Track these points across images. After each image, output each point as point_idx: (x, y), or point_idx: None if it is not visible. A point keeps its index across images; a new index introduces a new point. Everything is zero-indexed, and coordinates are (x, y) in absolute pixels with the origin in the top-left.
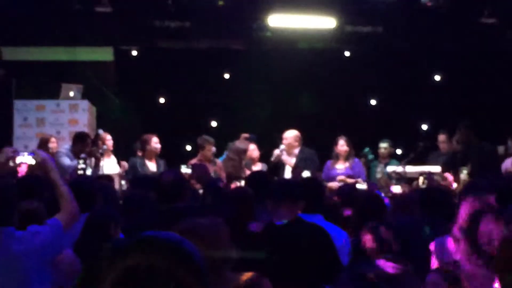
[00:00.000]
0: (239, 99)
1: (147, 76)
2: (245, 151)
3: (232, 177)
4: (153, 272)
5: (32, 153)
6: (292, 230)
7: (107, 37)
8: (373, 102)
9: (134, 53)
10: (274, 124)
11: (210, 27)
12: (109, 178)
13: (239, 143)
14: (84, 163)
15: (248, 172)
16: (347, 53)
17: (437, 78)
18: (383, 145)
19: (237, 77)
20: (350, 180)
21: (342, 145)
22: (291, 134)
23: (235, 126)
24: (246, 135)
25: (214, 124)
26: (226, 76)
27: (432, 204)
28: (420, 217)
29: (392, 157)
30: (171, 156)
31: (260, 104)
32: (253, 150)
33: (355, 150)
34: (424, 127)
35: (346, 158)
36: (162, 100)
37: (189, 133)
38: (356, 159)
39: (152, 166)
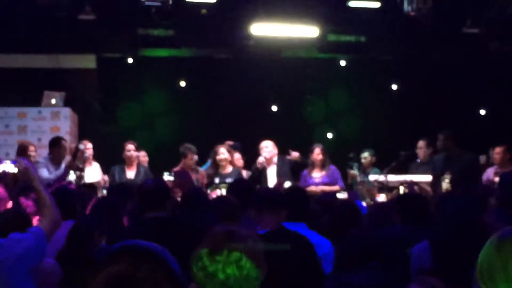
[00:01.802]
0: (222, 107)
1: (129, 84)
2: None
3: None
4: (135, 280)
5: (15, 161)
6: (274, 239)
7: (90, 44)
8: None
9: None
10: (256, 132)
11: (194, 36)
12: (92, 186)
13: (219, 149)
14: (77, 174)
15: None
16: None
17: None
18: (365, 155)
19: (220, 85)
20: (327, 188)
21: (317, 154)
22: (269, 143)
23: (217, 134)
24: (230, 142)
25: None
26: (208, 84)
27: (408, 210)
28: (397, 225)
29: (374, 166)
30: (154, 164)
31: (243, 112)
32: (237, 159)
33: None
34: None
35: (322, 166)
36: (144, 108)
37: (171, 141)
38: (333, 167)
39: (130, 173)
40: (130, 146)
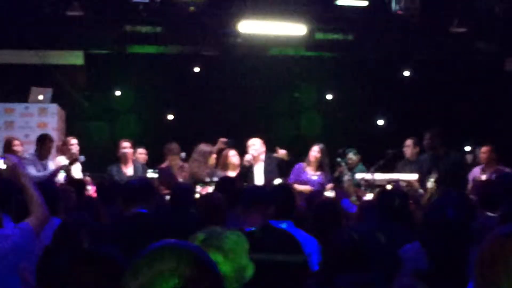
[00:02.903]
0: (209, 104)
1: (117, 80)
2: (210, 153)
3: (196, 180)
4: (179, 278)
5: (3, 158)
6: (261, 237)
7: (77, 41)
8: (342, 108)
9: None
10: (245, 129)
11: (181, 33)
12: (80, 182)
13: (204, 146)
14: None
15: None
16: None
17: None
18: (349, 156)
19: (207, 82)
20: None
21: (314, 151)
22: (257, 141)
23: (206, 131)
24: (224, 139)
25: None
26: (196, 81)
27: (388, 208)
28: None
29: (359, 164)
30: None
31: (231, 109)
32: (232, 156)
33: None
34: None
35: (318, 166)
36: (132, 105)
37: (159, 138)
38: (325, 172)
39: (129, 171)
40: (126, 144)
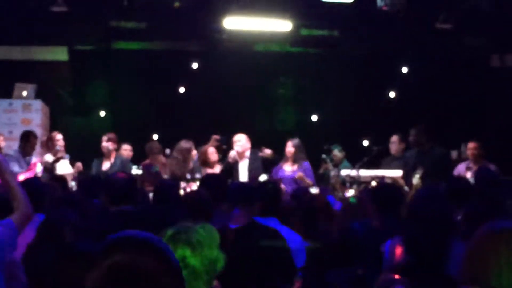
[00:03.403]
0: (195, 100)
1: (101, 76)
2: (189, 150)
3: (176, 177)
4: (136, 270)
5: None
6: (246, 233)
7: (62, 36)
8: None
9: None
10: (229, 125)
11: (166, 29)
12: (62, 179)
13: (184, 143)
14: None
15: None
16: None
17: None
18: (334, 152)
19: (192, 78)
20: (307, 179)
21: (288, 147)
22: (243, 137)
23: (190, 127)
24: (217, 136)
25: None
26: (181, 77)
27: (382, 200)
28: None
29: (344, 160)
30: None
31: (216, 105)
32: (211, 153)
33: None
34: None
35: (294, 161)
36: (117, 100)
37: (143, 135)
38: (306, 163)
39: (106, 165)
40: (104, 138)
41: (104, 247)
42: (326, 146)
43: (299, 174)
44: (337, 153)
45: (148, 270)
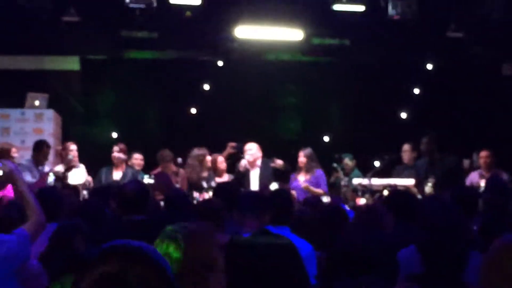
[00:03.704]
0: (206, 109)
1: (113, 86)
2: (204, 155)
3: (193, 183)
4: (126, 279)
5: (0, 164)
6: (258, 242)
7: (74, 46)
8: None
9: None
10: (239, 134)
11: (178, 38)
12: (74, 188)
13: (197, 150)
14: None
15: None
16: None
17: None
18: (345, 161)
19: (203, 88)
20: (313, 189)
21: (300, 157)
22: (254, 146)
23: (201, 136)
24: (233, 144)
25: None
26: (193, 86)
27: (398, 208)
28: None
29: (355, 169)
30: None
31: (227, 114)
32: (221, 162)
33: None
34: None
35: (307, 170)
36: (128, 110)
37: (154, 143)
38: (319, 171)
39: (117, 174)
40: (115, 148)
41: (96, 256)
42: (337, 155)
43: (304, 185)
44: (348, 161)
45: (140, 279)
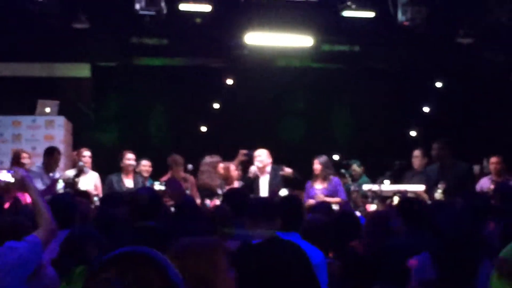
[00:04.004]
0: (216, 116)
1: (124, 92)
2: (218, 162)
3: (205, 193)
4: (126, 282)
5: (11, 171)
6: (268, 249)
7: (84, 53)
8: (349, 120)
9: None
10: (249, 140)
11: (188, 45)
12: (86, 194)
13: (209, 157)
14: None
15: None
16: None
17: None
18: (353, 167)
19: (213, 94)
20: (327, 199)
21: (315, 164)
22: (263, 152)
23: (211, 143)
24: (244, 151)
25: (191, 140)
26: (203, 93)
27: (410, 214)
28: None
29: (363, 175)
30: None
31: (237, 120)
32: (233, 170)
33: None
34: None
35: (324, 178)
36: (139, 116)
37: (164, 150)
38: (335, 179)
39: (129, 182)
40: (130, 156)
41: (99, 263)
42: (345, 161)
43: (319, 197)
44: (356, 167)
45: (141, 281)
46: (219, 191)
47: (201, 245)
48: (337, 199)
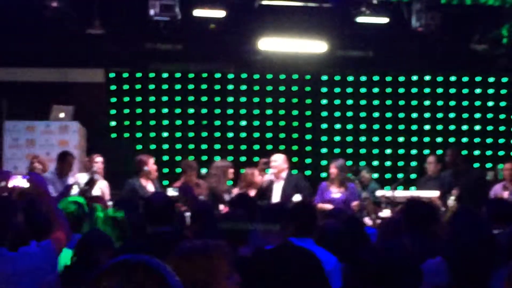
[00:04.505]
0: (230, 121)
1: (138, 98)
2: (227, 167)
3: (215, 196)
4: None
5: (26, 176)
6: (281, 254)
7: (98, 59)
8: (362, 126)
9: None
10: (264, 146)
11: (202, 50)
12: (100, 199)
13: (220, 162)
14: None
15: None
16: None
17: (427, 102)
18: (362, 173)
19: (227, 100)
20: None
21: (332, 168)
22: (280, 157)
23: (224, 149)
24: (265, 159)
25: (204, 146)
26: (216, 98)
27: (415, 217)
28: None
29: (372, 181)
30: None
31: (251, 126)
32: (257, 175)
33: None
34: (414, 151)
35: (340, 183)
36: (153, 122)
37: (178, 155)
38: (351, 185)
39: (150, 187)
40: (151, 160)
41: (100, 271)
42: (355, 166)
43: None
44: (365, 174)
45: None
46: (226, 197)
47: (200, 249)
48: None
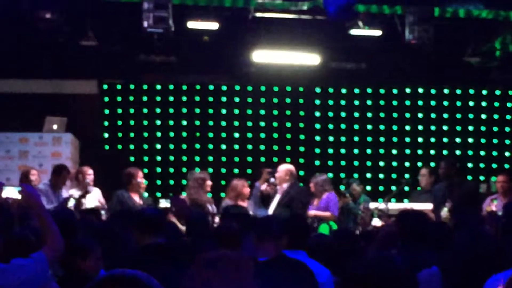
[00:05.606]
0: (224, 133)
1: (131, 109)
2: (203, 179)
3: (198, 205)
4: None
5: (19, 188)
6: (274, 267)
7: (92, 70)
8: (356, 138)
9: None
10: (256, 159)
11: (195, 62)
12: (95, 212)
13: (199, 173)
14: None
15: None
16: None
17: (420, 115)
18: (353, 186)
19: (221, 112)
20: (320, 213)
21: (311, 185)
22: (282, 168)
23: (219, 161)
24: (268, 169)
25: (197, 158)
26: (210, 110)
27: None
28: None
29: (363, 194)
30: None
31: (245, 138)
32: (245, 187)
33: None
34: (407, 163)
35: (316, 196)
36: (146, 134)
37: (171, 167)
38: (329, 194)
39: (137, 199)
40: (139, 174)
41: (91, 286)
42: (345, 180)
43: (312, 213)
44: (355, 187)
45: None
46: (209, 208)
47: (231, 260)
48: (326, 214)
